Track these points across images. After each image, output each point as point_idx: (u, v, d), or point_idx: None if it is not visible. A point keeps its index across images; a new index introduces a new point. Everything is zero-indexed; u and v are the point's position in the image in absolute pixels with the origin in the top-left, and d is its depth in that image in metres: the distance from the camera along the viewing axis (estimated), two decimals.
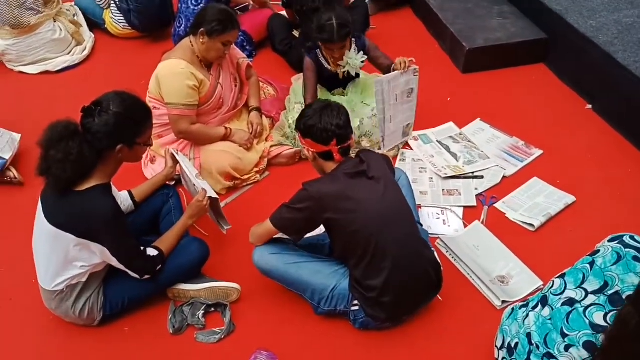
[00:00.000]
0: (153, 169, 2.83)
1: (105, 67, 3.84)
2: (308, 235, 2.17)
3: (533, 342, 1.73)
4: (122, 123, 1.89)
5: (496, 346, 1.96)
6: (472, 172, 2.84)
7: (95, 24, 4.10)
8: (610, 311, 1.56)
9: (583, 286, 1.65)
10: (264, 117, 3.05)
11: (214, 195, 2.32)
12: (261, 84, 3.22)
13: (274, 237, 2.13)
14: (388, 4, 4.31)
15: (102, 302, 2.10)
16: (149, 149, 2.48)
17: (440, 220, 2.61)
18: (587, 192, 2.71)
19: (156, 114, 2.61)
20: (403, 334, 2.14)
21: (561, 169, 2.85)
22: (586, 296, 1.63)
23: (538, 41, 3.60)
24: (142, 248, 2.05)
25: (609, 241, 1.70)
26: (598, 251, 1.70)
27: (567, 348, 1.62)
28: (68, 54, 3.84)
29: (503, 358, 1.88)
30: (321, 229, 2.10)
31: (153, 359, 2.12)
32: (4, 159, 2.82)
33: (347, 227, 1.95)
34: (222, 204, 2.59)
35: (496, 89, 3.45)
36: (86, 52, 3.90)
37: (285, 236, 2.11)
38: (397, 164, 2.91)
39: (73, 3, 4.17)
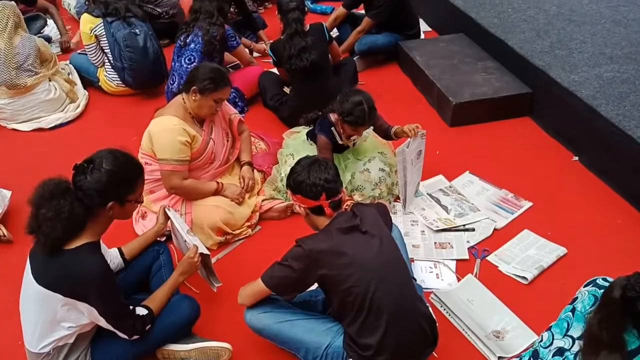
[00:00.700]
0: (144, 224, 2.81)
1: (98, 124, 3.87)
2: None
3: None
4: (114, 181, 1.89)
5: None
6: (464, 225, 2.86)
7: (89, 82, 4.17)
8: None
9: (569, 334, 1.71)
10: (255, 171, 3.07)
11: (206, 252, 2.30)
12: (253, 138, 3.26)
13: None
14: (375, 60, 4.44)
15: None
16: (139, 206, 2.47)
17: (434, 274, 2.60)
18: (578, 244, 2.72)
19: (148, 169, 2.62)
20: None
21: (551, 221, 2.87)
22: (573, 343, 1.68)
23: (523, 95, 3.69)
24: (131, 307, 2.01)
25: (584, 286, 1.78)
26: (577, 298, 1.77)
27: None
28: (61, 111, 3.88)
29: None
30: (314, 284, 2.08)
31: None
32: None
33: (342, 284, 1.93)
34: (213, 260, 2.57)
35: (484, 142, 3.52)
36: (79, 110, 3.94)
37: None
38: None
39: (68, 61, 4.26)
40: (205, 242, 2.65)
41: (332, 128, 2.92)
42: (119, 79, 4.01)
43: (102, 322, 1.93)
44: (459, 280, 2.56)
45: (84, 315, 1.92)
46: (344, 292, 1.93)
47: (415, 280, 2.33)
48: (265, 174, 3.14)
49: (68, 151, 3.35)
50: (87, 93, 4.10)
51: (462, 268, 2.63)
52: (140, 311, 2.03)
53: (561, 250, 2.67)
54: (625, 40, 3.81)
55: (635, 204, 2.93)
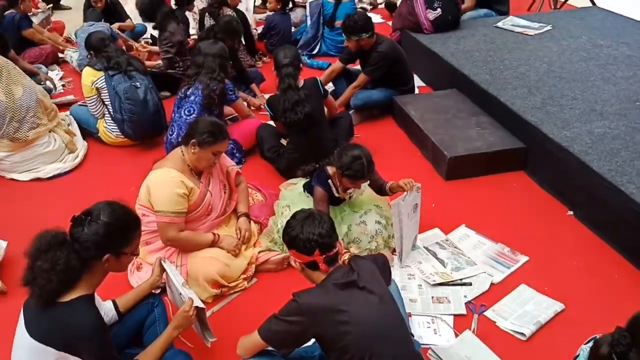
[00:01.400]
0: (139, 276, 2.79)
1: (96, 174, 3.90)
2: None
3: None
4: (111, 233, 1.89)
5: None
6: (460, 279, 2.84)
7: (89, 133, 4.22)
8: None
9: None
10: (252, 222, 3.08)
11: (201, 305, 2.27)
12: (250, 189, 3.28)
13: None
14: (371, 114, 4.52)
15: None
16: (135, 258, 2.46)
17: (431, 330, 2.56)
18: (575, 299, 2.70)
19: (145, 221, 2.62)
20: None
21: (548, 276, 2.86)
22: None
23: (517, 150, 3.75)
24: None
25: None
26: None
27: None
28: (60, 161, 3.91)
29: None
30: (312, 339, 2.04)
31: None
32: None
33: (339, 341, 1.89)
34: (208, 313, 2.53)
35: (479, 196, 3.54)
36: (78, 160, 3.98)
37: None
38: None
39: (68, 112, 4.32)
40: (201, 294, 2.62)
41: (329, 181, 2.95)
42: (118, 130, 4.07)
43: None
44: (456, 335, 2.52)
45: None
46: (340, 350, 1.90)
47: (413, 336, 2.30)
48: (262, 225, 3.14)
49: (65, 201, 3.35)
50: (86, 144, 4.15)
51: (460, 323, 2.60)
52: None
53: (558, 306, 2.65)
54: (615, 97, 3.91)
55: (631, 258, 2.93)
